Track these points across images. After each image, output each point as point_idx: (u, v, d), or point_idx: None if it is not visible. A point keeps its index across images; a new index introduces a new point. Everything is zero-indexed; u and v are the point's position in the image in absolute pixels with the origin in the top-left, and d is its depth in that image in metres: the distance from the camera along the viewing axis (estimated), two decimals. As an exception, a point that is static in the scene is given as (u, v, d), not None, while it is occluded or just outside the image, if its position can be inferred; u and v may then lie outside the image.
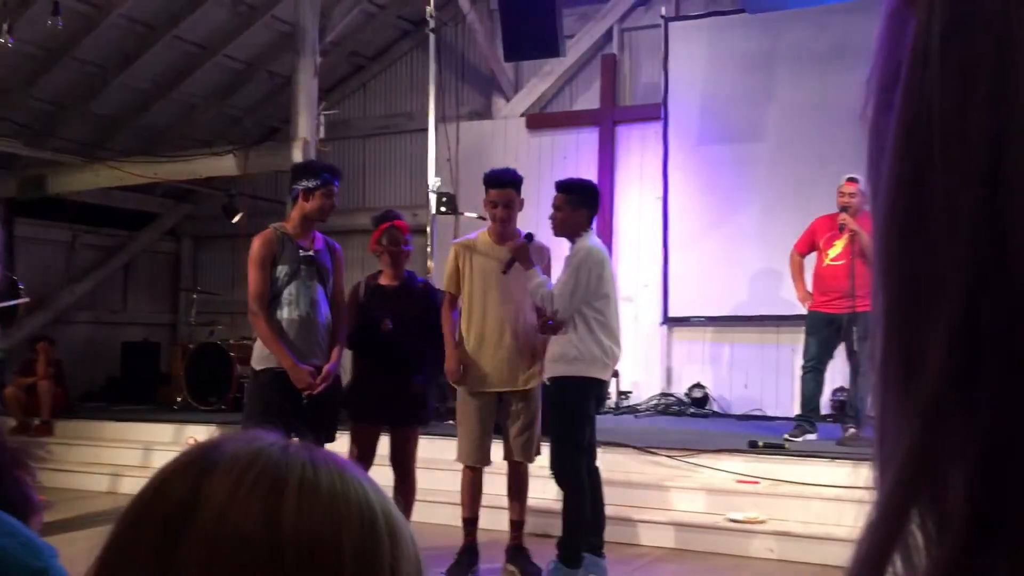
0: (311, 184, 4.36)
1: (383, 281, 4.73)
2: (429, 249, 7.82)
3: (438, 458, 5.98)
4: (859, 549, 0.28)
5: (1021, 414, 0.24)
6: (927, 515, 0.28)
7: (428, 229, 7.82)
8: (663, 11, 8.83)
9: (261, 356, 4.32)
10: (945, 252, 0.26)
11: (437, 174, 7.84)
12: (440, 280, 8.00)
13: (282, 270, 4.32)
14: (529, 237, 4.48)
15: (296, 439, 0.60)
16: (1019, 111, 0.24)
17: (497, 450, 4.66)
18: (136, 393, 9.49)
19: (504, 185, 4.54)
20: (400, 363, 4.57)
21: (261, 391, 4.33)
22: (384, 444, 4.68)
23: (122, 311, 11.20)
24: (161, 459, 0.68)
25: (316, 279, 4.39)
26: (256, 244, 4.34)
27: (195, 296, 9.68)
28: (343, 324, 4.48)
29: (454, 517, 4.94)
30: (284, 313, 4.30)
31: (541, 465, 4.64)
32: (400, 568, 0.55)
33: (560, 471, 4.37)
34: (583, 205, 4.45)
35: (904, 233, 0.28)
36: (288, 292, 4.31)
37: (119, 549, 0.54)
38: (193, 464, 0.56)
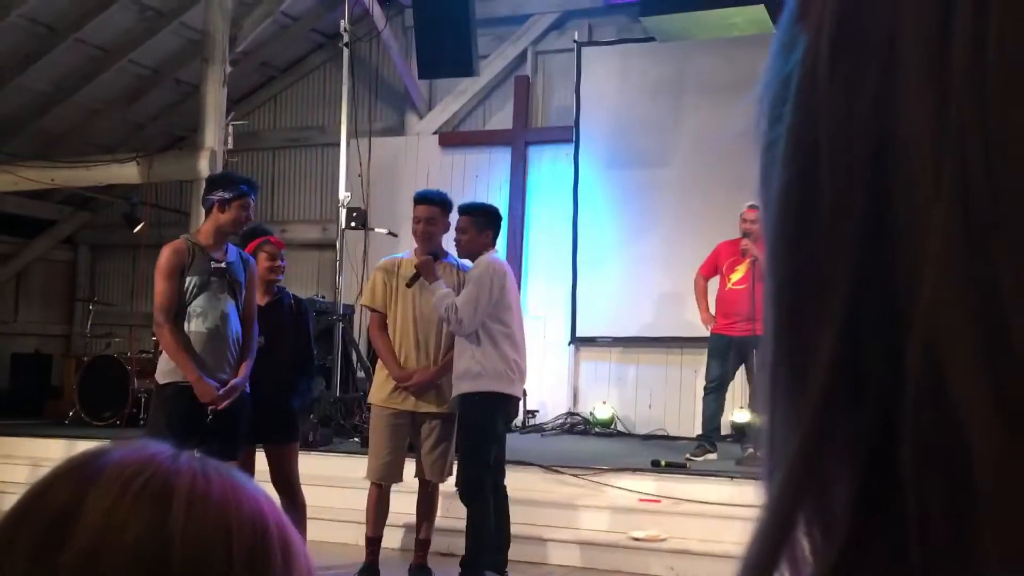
0: (227, 195, 4.27)
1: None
2: (338, 264, 7.75)
3: (341, 476, 5.90)
4: (747, 556, 0.28)
5: (899, 416, 0.25)
6: (813, 522, 0.28)
7: (337, 244, 7.75)
8: (576, 36, 8.97)
9: (166, 370, 4.22)
10: (830, 257, 0.26)
11: (348, 189, 7.78)
12: (349, 295, 7.97)
13: (191, 281, 4.21)
14: (436, 256, 4.51)
15: (195, 453, 0.59)
16: (901, 121, 0.25)
17: (407, 469, 4.63)
18: (25, 407, 9.07)
19: (430, 202, 4.59)
20: (271, 381, 4.47)
21: (164, 405, 4.22)
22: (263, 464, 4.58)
23: (13, 321, 10.74)
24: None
25: (227, 292, 4.29)
26: (165, 253, 4.23)
27: (92, 307, 9.34)
28: (253, 340, 4.39)
29: (356, 536, 4.87)
30: (191, 326, 4.20)
31: (447, 484, 4.63)
32: None
33: (464, 488, 4.36)
34: (488, 227, 4.52)
35: (792, 240, 0.28)
36: (197, 304, 4.21)
37: None
38: (78, 470, 0.55)
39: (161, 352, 4.32)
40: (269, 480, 4.45)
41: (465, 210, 4.58)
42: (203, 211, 4.49)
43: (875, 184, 0.26)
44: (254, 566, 0.53)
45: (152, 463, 0.55)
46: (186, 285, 4.20)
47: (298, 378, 4.68)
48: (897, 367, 0.25)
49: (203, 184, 7.33)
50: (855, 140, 0.26)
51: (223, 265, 4.28)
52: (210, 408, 4.13)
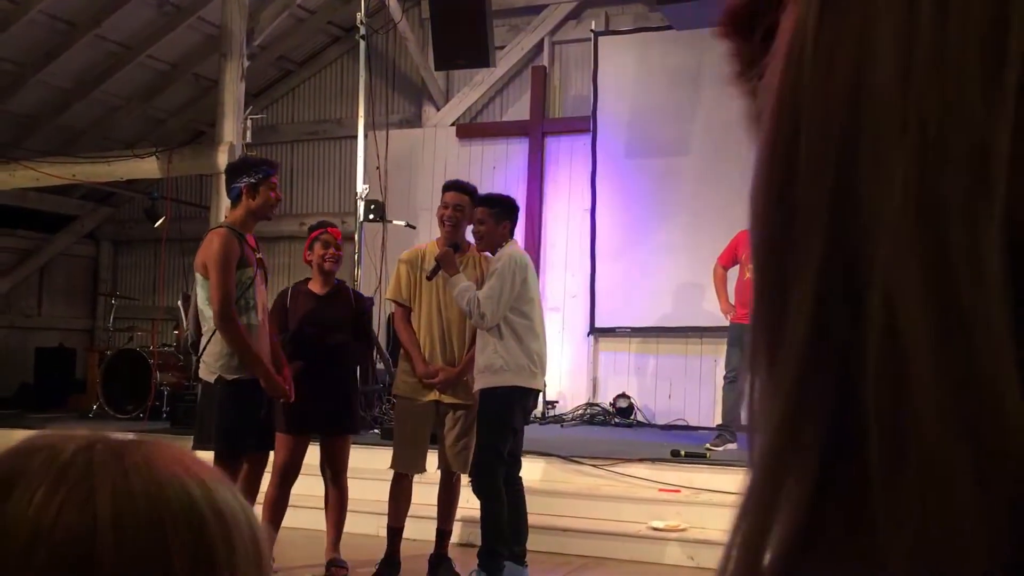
0: (253, 179, 4.13)
1: (313, 287, 4.67)
2: (356, 257, 7.77)
3: (362, 467, 5.92)
4: (736, 531, 0.28)
5: (861, 373, 0.26)
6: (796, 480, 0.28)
7: (356, 237, 7.77)
8: (593, 25, 8.94)
9: (231, 365, 4.03)
10: (805, 222, 0.27)
11: (366, 181, 7.80)
12: (368, 287, 7.99)
13: (246, 273, 4.07)
14: (457, 247, 4.50)
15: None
16: (872, 83, 0.26)
17: (431, 459, 4.64)
18: (49, 401, 9.18)
19: (460, 190, 4.60)
20: (329, 371, 4.52)
21: (245, 401, 4.06)
22: (311, 454, 4.63)
23: (36, 316, 10.85)
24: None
25: (263, 283, 4.29)
26: (220, 243, 4.01)
27: (114, 301, 9.42)
28: (275, 329, 4.41)
29: (377, 527, 4.90)
30: (249, 319, 4.08)
31: (464, 475, 4.64)
32: (238, 566, 0.55)
33: (476, 479, 4.37)
34: (505, 218, 4.50)
35: (771, 205, 0.29)
36: (250, 296, 4.09)
37: None
38: None
39: (205, 346, 4.10)
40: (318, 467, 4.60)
41: (483, 201, 4.56)
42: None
43: (848, 150, 0.26)
44: (196, 557, 0.53)
45: (72, 468, 0.53)
46: (240, 277, 4.05)
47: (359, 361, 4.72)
48: (860, 322, 0.26)
49: (223, 178, 7.39)
50: (833, 101, 0.27)
51: (260, 255, 4.26)
52: (281, 401, 4.18)
